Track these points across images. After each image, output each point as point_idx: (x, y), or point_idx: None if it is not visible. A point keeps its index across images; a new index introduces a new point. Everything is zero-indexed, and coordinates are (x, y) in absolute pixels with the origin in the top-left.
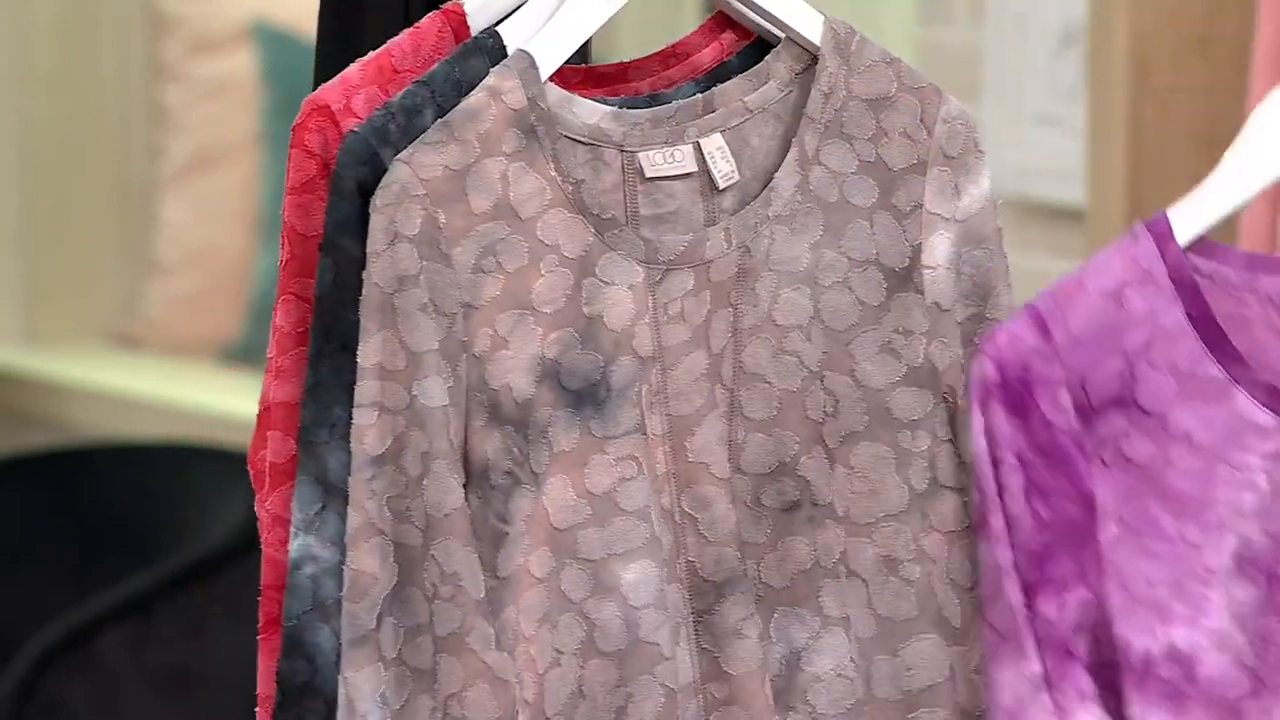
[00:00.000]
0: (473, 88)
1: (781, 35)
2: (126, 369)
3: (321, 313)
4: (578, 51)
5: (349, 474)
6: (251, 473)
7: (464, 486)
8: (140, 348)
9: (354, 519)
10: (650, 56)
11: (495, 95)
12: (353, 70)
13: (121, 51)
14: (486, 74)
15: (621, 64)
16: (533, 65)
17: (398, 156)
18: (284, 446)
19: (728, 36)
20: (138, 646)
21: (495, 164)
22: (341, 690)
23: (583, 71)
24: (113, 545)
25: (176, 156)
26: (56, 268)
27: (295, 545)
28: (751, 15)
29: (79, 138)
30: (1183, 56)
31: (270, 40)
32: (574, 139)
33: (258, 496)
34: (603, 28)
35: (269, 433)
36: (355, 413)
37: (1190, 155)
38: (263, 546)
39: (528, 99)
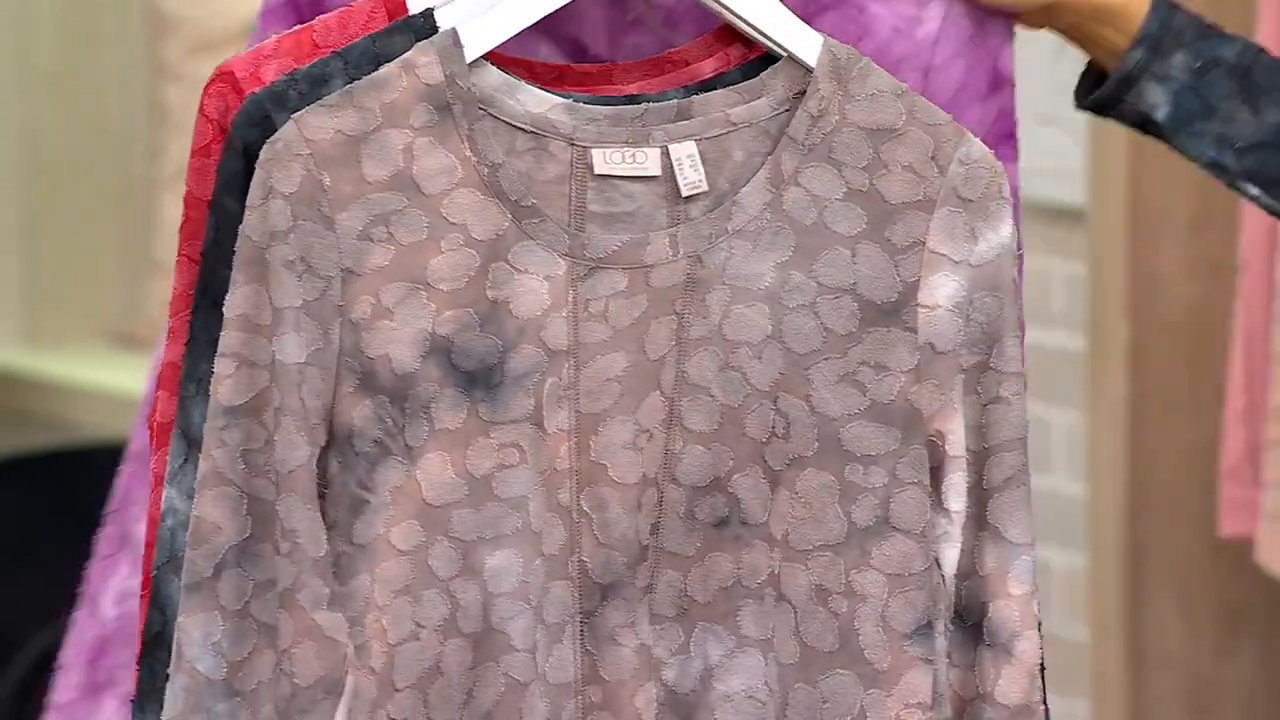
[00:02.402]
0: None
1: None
2: (127, 369)
3: (203, 270)
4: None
5: None
6: (149, 434)
7: (325, 448)
8: (141, 347)
9: (202, 467)
10: (642, 61)
11: (408, 68)
12: (268, 42)
13: (122, 52)
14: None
15: (606, 65)
16: (456, 44)
17: (292, 116)
18: (169, 406)
19: (735, 51)
20: None
21: (399, 135)
22: (175, 636)
23: (559, 69)
24: None
25: (177, 156)
26: (58, 268)
27: (163, 497)
28: (750, 32)
29: (80, 138)
30: None
31: None
32: (513, 125)
33: (151, 457)
34: None
35: (158, 393)
36: (216, 362)
37: None
38: (148, 506)
39: (444, 76)
